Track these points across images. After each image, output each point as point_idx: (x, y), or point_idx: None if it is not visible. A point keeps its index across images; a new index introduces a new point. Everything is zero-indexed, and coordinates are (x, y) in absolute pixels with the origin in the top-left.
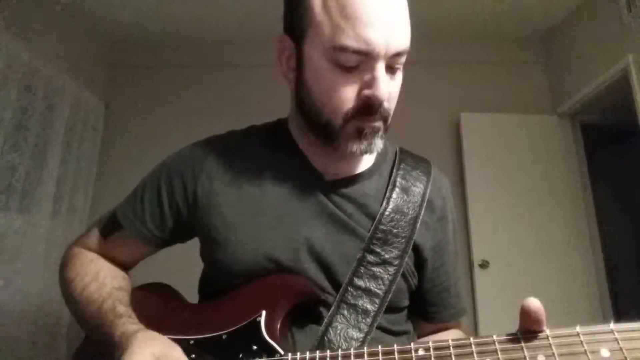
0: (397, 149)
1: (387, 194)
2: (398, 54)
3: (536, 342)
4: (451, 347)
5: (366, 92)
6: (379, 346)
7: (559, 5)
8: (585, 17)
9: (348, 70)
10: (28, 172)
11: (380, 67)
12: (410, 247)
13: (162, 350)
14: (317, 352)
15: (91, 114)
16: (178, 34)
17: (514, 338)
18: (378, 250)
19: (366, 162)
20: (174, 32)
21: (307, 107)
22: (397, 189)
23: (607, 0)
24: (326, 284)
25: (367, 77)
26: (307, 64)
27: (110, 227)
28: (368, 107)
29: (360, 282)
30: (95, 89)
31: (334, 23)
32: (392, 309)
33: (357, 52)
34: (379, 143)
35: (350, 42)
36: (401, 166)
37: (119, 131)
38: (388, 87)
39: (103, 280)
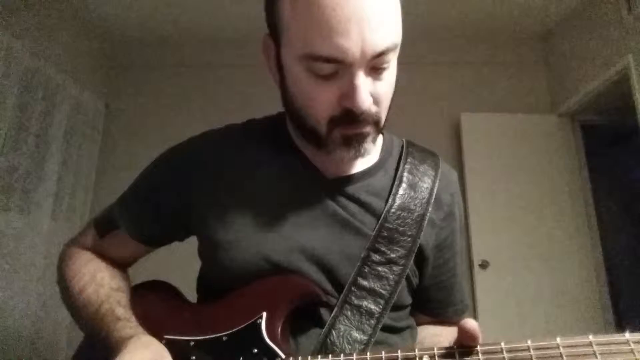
0: (404, 142)
1: (393, 189)
2: (380, 54)
3: (547, 352)
4: (457, 354)
5: (345, 102)
6: (382, 352)
7: (559, 5)
8: (585, 17)
9: (325, 78)
10: (28, 172)
11: (359, 74)
12: (417, 246)
13: (153, 358)
14: (319, 356)
15: (91, 114)
16: (178, 34)
17: (523, 347)
18: (383, 249)
19: (370, 159)
20: (174, 32)
21: (293, 110)
22: (403, 185)
23: (607, 0)
24: (328, 286)
25: (345, 85)
26: (286, 69)
27: (106, 226)
28: (351, 115)
29: (364, 282)
30: (95, 89)
31: (304, 29)
32: (395, 307)
33: (329, 60)
34: (369, 147)
35: (320, 50)
36: (408, 160)
37: (119, 131)
38: (374, 90)
39: (101, 281)
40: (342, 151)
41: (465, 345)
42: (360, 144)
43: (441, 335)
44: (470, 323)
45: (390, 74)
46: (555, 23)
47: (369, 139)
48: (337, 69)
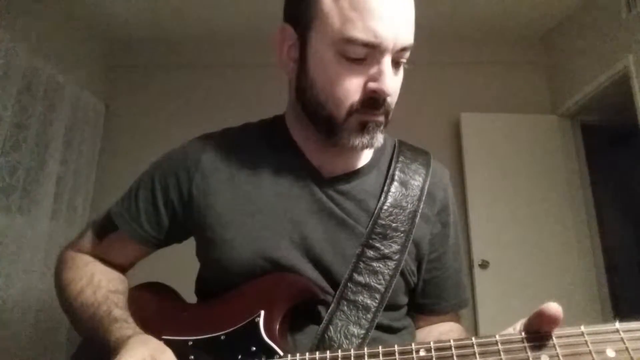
0: (396, 142)
1: (386, 188)
2: (404, 49)
3: (539, 342)
4: (453, 348)
5: (372, 85)
6: (380, 347)
7: (559, 5)
8: (585, 17)
9: (354, 62)
10: (28, 172)
11: (387, 60)
12: (410, 241)
13: (153, 354)
14: (317, 353)
15: (91, 114)
16: (178, 34)
17: (517, 338)
18: (377, 245)
19: (364, 158)
20: (174, 32)
21: (308, 99)
22: (395, 183)
23: (607, 0)
24: (324, 283)
25: (373, 70)
26: (312, 55)
27: (105, 228)
28: (373, 101)
29: (360, 278)
30: (95, 89)
31: (343, 14)
32: (390, 307)
33: (366, 44)
34: (380, 138)
35: (359, 34)
36: (399, 159)
37: (119, 131)
38: (393, 82)
39: (98, 283)
40: (356, 138)
41: (539, 330)
42: (375, 131)
43: (451, 331)
44: (553, 308)
45: (401, 72)
46: (555, 23)
47: (381, 128)
48: (368, 54)
